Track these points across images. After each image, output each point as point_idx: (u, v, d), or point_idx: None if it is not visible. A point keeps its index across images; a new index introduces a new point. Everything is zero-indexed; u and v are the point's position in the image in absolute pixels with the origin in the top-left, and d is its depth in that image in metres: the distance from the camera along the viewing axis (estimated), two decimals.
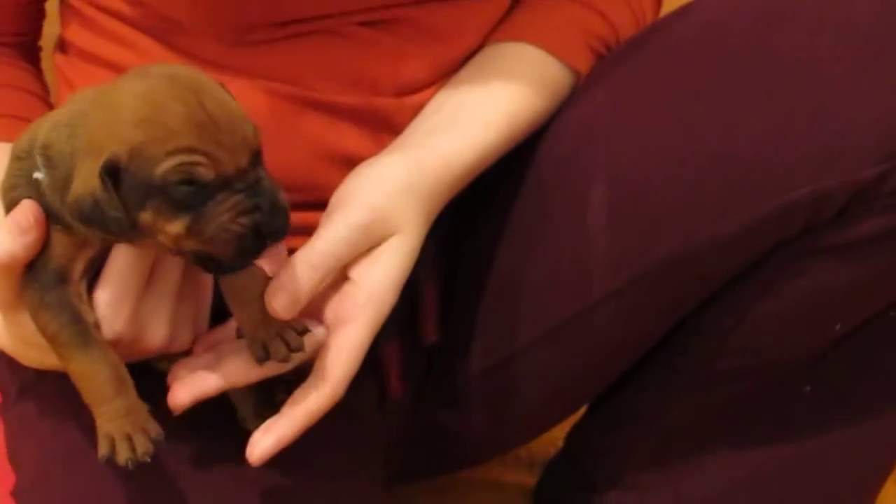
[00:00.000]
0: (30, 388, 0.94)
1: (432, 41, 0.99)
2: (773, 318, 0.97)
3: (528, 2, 1.04)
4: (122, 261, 0.80)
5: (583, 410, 1.22)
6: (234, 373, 0.84)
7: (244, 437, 0.87)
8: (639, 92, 0.97)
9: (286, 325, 0.81)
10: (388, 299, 0.88)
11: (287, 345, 0.81)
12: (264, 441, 0.84)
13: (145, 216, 0.74)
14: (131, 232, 0.75)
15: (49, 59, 1.09)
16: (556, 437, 1.28)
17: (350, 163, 0.94)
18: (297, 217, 0.87)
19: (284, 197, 0.76)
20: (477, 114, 0.97)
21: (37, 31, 1.09)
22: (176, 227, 0.74)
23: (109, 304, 0.81)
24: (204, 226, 0.74)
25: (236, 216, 0.74)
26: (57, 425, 0.93)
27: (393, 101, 0.98)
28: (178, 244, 0.75)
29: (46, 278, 0.80)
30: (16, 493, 0.93)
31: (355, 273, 0.88)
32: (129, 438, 0.78)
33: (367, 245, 0.88)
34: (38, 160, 0.78)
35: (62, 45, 1.06)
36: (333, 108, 0.97)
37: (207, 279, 0.85)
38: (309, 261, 0.84)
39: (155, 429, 0.79)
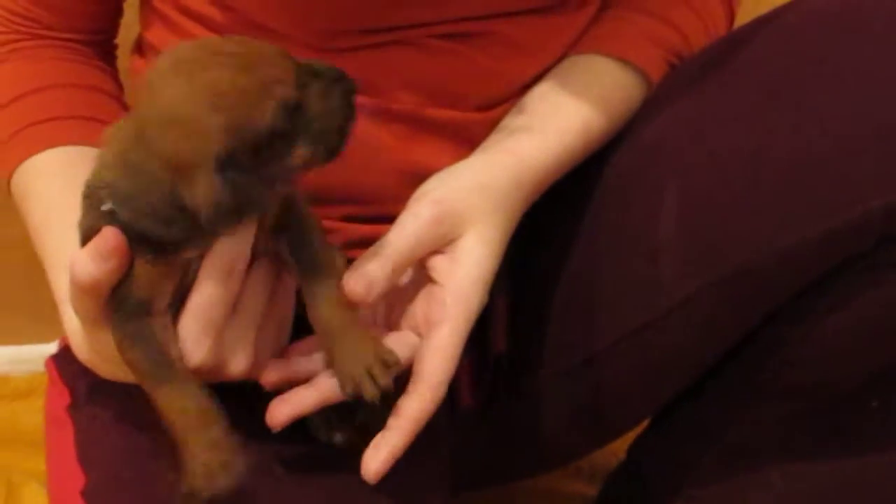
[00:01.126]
0: (101, 388, 0.94)
1: (517, 56, 1.00)
2: (842, 332, 0.96)
3: (604, 17, 1.05)
4: (207, 291, 0.80)
5: (646, 423, 1.21)
6: (329, 389, 0.84)
7: (308, 444, 0.89)
8: (711, 102, 0.97)
9: (377, 356, 0.81)
10: (476, 297, 0.88)
11: (375, 382, 0.80)
12: (378, 455, 0.84)
13: (295, 158, 0.76)
14: (269, 197, 0.77)
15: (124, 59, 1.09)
16: (617, 448, 1.28)
17: (424, 176, 0.94)
18: (372, 230, 0.94)
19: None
20: (553, 120, 0.97)
21: (113, 29, 1.10)
22: (301, 151, 0.77)
23: (192, 335, 0.81)
24: (318, 110, 0.77)
25: (330, 92, 0.77)
26: (128, 427, 0.93)
27: (474, 115, 0.99)
28: (308, 165, 0.77)
29: (130, 308, 0.79)
30: (86, 493, 0.93)
31: (437, 275, 0.88)
32: (211, 475, 0.79)
33: (438, 239, 0.88)
34: (102, 194, 0.78)
35: (140, 47, 1.07)
36: (415, 121, 0.98)
37: (289, 305, 0.85)
38: (381, 252, 0.85)
39: (239, 463, 0.79)
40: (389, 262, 0.84)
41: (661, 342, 1.00)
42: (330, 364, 0.83)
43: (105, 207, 0.77)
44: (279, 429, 0.83)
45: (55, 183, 0.95)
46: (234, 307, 0.81)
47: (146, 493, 0.89)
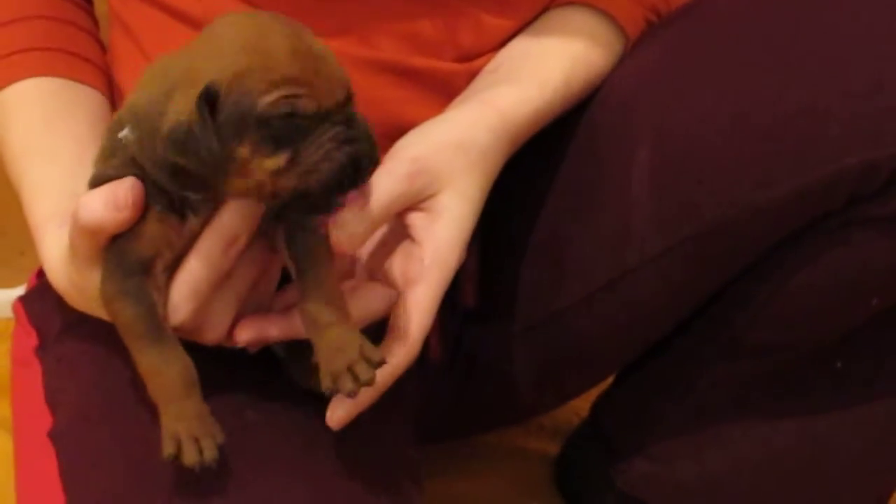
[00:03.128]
0: (72, 328, 0.95)
1: (500, 6, 1.00)
2: (809, 290, 0.96)
3: None
4: (203, 258, 0.80)
5: (610, 380, 1.22)
6: (299, 325, 0.83)
7: (283, 390, 0.89)
8: (686, 55, 0.97)
9: (361, 354, 0.79)
10: (454, 256, 0.87)
11: (355, 378, 0.79)
12: (344, 404, 0.84)
13: (242, 150, 0.74)
14: (223, 168, 0.75)
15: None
16: (579, 406, 1.30)
17: (409, 128, 0.94)
18: None
19: (373, 131, 0.78)
20: (533, 72, 0.97)
21: None
22: (275, 161, 0.75)
23: (180, 295, 0.81)
24: (306, 158, 0.75)
25: (338, 145, 0.75)
26: (97, 367, 0.93)
27: (456, 66, 0.99)
28: (274, 181, 0.75)
29: (129, 265, 0.79)
30: (53, 434, 0.93)
31: (417, 233, 0.87)
32: (197, 441, 0.79)
33: (414, 196, 0.87)
34: (124, 120, 0.78)
35: None
36: (398, 71, 0.97)
37: (273, 284, 0.86)
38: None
39: (220, 434, 0.80)
40: (367, 216, 0.84)
41: (629, 299, 1.01)
42: (314, 359, 0.82)
43: (121, 134, 0.77)
44: (237, 345, 0.84)
45: (36, 111, 0.95)
46: (221, 282, 0.82)
47: (115, 432, 0.89)
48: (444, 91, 0.99)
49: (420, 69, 0.98)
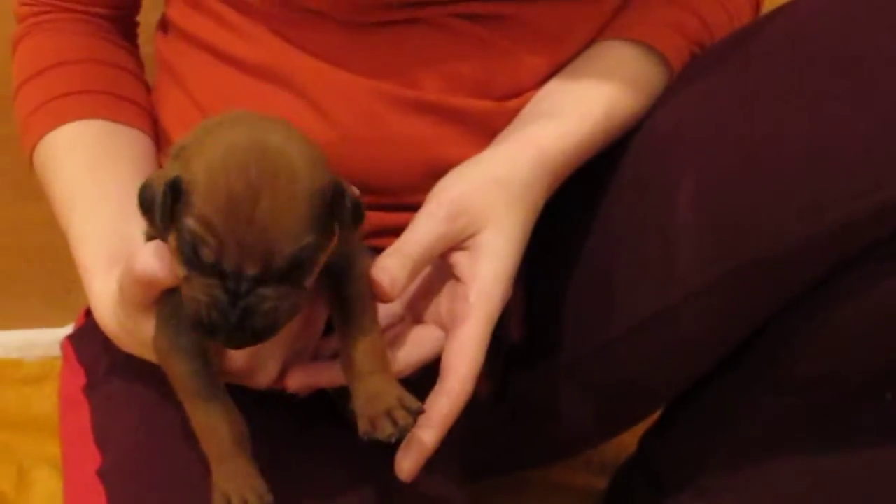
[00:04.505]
0: (120, 366, 0.95)
1: (542, 42, 0.99)
2: (857, 322, 0.94)
3: (630, 4, 1.05)
4: None
5: (657, 414, 1.21)
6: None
7: (321, 438, 0.90)
8: (728, 87, 0.96)
9: (400, 401, 0.79)
10: (499, 292, 0.87)
11: (394, 422, 0.78)
12: (410, 454, 0.83)
13: (170, 238, 0.75)
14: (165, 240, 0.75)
15: (149, 43, 1.09)
16: (627, 441, 1.27)
17: (449, 167, 0.94)
18: (390, 218, 0.94)
19: (262, 323, 0.74)
20: (574, 106, 0.96)
21: (136, 4, 1.10)
22: (179, 270, 0.75)
23: None
24: (187, 285, 0.74)
25: (208, 302, 0.73)
26: (147, 406, 0.93)
27: (499, 105, 0.98)
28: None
29: (181, 319, 0.79)
30: (102, 472, 0.93)
31: (461, 272, 0.87)
32: (245, 502, 0.78)
33: (455, 236, 0.87)
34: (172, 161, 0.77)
35: (164, 25, 1.06)
36: (440, 111, 0.97)
37: (319, 330, 0.86)
38: (400, 250, 0.85)
39: (268, 495, 0.79)
40: (409, 260, 0.84)
41: (676, 331, 0.99)
42: (353, 406, 0.82)
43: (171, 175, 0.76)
44: (291, 391, 0.85)
45: (84, 155, 0.95)
46: None
47: (165, 471, 0.89)
48: (483, 130, 0.98)
49: (460, 109, 0.97)
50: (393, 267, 0.82)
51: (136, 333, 0.84)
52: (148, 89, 1.05)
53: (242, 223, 0.71)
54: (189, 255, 0.73)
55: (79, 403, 0.99)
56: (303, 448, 0.91)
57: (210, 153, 0.73)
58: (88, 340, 1.00)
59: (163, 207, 0.72)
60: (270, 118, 0.76)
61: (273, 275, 0.73)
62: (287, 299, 0.74)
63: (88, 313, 1.03)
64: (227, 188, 0.71)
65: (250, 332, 0.73)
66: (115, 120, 0.99)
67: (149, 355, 0.84)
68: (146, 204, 0.74)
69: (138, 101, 1.03)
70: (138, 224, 0.84)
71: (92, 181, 0.93)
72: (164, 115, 1.03)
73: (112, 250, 0.87)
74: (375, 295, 0.82)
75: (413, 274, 0.84)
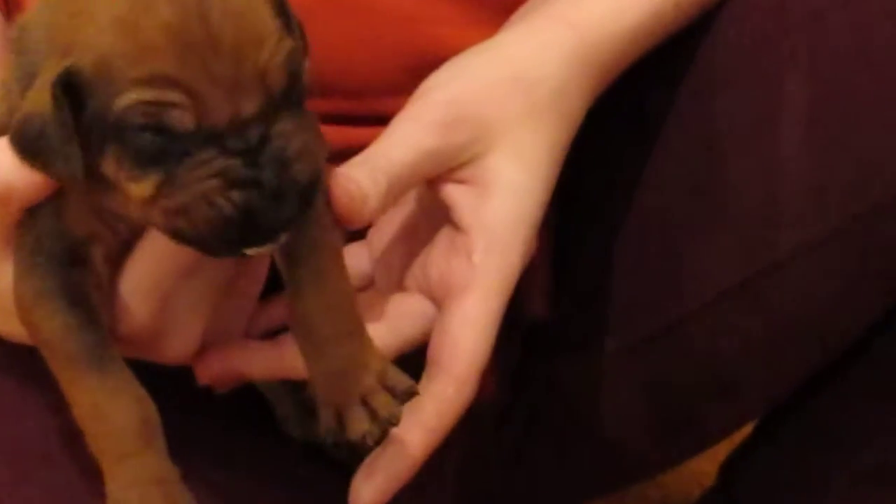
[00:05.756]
0: None
1: None
2: None
3: None
4: (162, 241, 0.70)
5: (745, 431, 1.07)
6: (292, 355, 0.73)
7: (256, 448, 0.84)
8: None
9: (382, 381, 0.70)
10: (516, 248, 0.75)
11: (373, 414, 0.69)
12: (374, 481, 0.73)
13: (107, 164, 0.64)
14: (91, 184, 0.65)
15: None
16: (700, 471, 1.20)
17: (445, 58, 0.82)
18: (357, 134, 0.83)
19: (307, 169, 0.64)
20: None
21: None
22: (141, 187, 0.64)
23: (134, 292, 0.71)
24: (174, 191, 0.64)
25: (224, 186, 0.63)
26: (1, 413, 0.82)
27: None
28: (144, 212, 0.65)
29: (55, 253, 0.69)
30: None
31: (460, 216, 0.76)
32: None
33: (451, 156, 0.76)
34: (13, 44, 0.69)
35: None
36: None
37: (257, 285, 0.77)
38: (371, 162, 0.74)
39: None
40: (382, 176, 0.73)
41: (771, 306, 0.88)
42: (311, 387, 0.73)
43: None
44: (211, 380, 0.76)
45: None
46: (190, 269, 0.73)
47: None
48: (494, 4, 0.87)
49: None
50: (362, 178, 0.72)
51: None
52: None
53: (205, 50, 0.62)
54: (150, 146, 0.62)
55: None
56: (220, 462, 0.81)
57: (107, 3, 0.62)
58: None
59: (62, 124, 0.63)
60: None
61: (275, 100, 0.63)
62: (308, 129, 0.66)
63: None
64: (160, 25, 0.61)
65: (298, 191, 0.63)
66: None
67: (10, 325, 0.72)
68: (29, 143, 0.64)
69: None
70: None
71: None
72: None
73: None
74: (338, 214, 0.71)
75: (388, 199, 0.73)
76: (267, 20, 0.64)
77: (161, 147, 0.63)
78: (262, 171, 0.63)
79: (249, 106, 0.63)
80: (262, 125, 0.63)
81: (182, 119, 0.62)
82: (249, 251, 0.66)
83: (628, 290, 0.95)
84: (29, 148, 0.64)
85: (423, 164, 0.75)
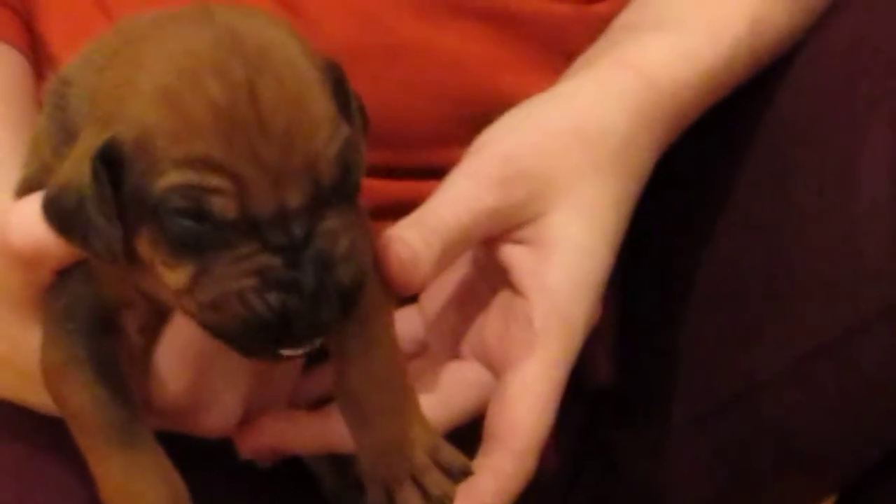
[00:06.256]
0: None
1: None
2: None
3: None
4: None
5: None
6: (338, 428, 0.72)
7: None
8: None
9: (432, 456, 0.69)
10: (580, 312, 0.73)
11: (425, 494, 0.68)
12: None
13: (141, 245, 0.62)
14: (128, 263, 0.63)
15: None
16: None
17: (502, 107, 0.80)
18: (405, 188, 0.83)
19: (350, 272, 0.62)
20: (699, 14, 0.83)
21: None
22: (176, 276, 0.62)
23: (170, 363, 0.70)
24: (209, 285, 0.62)
25: (259, 287, 0.61)
26: (22, 484, 0.77)
27: (573, 9, 0.87)
28: (177, 300, 0.63)
29: (85, 319, 0.68)
30: None
31: (519, 279, 0.73)
32: None
33: (509, 215, 0.73)
34: (51, 97, 0.67)
35: None
36: (483, 14, 0.86)
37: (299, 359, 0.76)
38: (423, 222, 0.71)
39: None
40: (436, 238, 0.70)
41: (853, 370, 0.83)
42: (359, 463, 0.72)
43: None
44: (255, 455, 0.74)
45: None
46: None
47: None
48: (556, 47, 0.86)
49: (521, 14, 0.86)
50: (414, 240, 0.69)
51: (15, 358, 0.71)
52: None
53: (253, 133, 0.59)
54: (186, 233, 0.60)
55: None
56: None
57: (153, 74, 0.61)
58: None
59: (102, 201, 0.60)
60: (213, 5, 0.65)
61: (325, 194, 0.61)
62: (355, 227, 0.63)
63: None
64: (207, 103, 0.59)
65: (339, 294, 0.61)
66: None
67: (37, 396, 0.70)
68: (65, 216, 0.62)
69: (10, 2, 0.89)
70: (6, 184, 0.70)
71: None
72: (43, 20, 0.89)
73: None
74: (389, 280, 0.69)
75: (442, 262, 0.71)
76: (322, 103, 0.62)
77: (199, 234, 0.60)
78: (303, 273, 0.60)
79: (296, 198, 0.60)
80: (307, 220, 0.61)
81: (224, 207, 0.59)
82: (284, 352, 0.64)
83: (698, 356, 0.92)
84: (65, 221, 0.62)
85: (479, 225, 0.73)
